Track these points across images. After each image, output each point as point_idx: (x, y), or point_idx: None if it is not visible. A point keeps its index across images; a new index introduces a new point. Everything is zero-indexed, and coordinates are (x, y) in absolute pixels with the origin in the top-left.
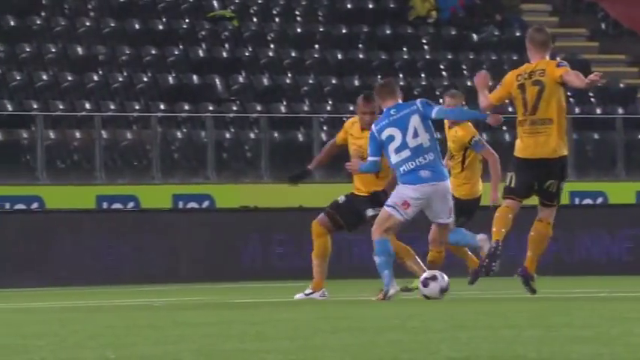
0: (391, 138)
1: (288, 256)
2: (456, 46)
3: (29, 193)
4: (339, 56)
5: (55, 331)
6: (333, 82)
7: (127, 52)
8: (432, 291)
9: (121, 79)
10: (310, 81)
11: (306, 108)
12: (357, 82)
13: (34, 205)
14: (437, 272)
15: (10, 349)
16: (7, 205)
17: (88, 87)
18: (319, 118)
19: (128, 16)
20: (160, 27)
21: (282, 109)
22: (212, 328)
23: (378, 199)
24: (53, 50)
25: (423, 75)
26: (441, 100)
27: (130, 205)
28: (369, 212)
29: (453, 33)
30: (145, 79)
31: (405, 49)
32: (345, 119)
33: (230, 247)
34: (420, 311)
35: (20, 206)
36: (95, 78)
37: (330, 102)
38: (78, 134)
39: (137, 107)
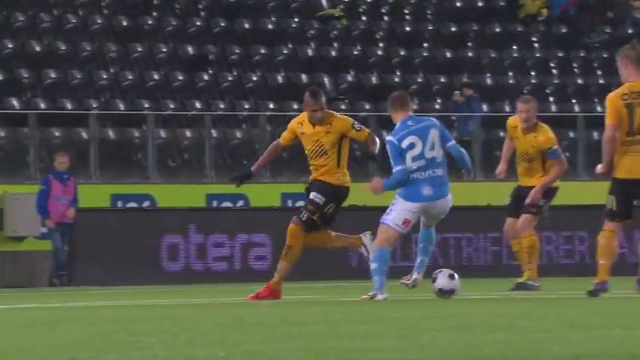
0: (412, 146)
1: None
2: (566, 44)
3: (141, 191)
4: (448, 54)
5: (167, 329)
6: (442, 80)
7: (237, 51)
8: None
9: (230, 79)
10: (419, 79)
11: (415, 106)
12: (465, 80)
13: (146, 204)
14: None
15: (123, 346)
16: (120, 204)
17: (199, 86)
18: (451, 116)
19: (238, 15)
20: (270, 26)
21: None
22: (320, 327)
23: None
24: (164, 50)
25: (532, 73)
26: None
27: (240, 203)
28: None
29: (564, 31)
30: (255, 79)
31: (514, 47)
32: (454, 117)
33: None
34: (529, 310)
35: (132, 204)
36: (205, 77)
37: (438, 100)
38: (188, 133)
39: (247, 106)
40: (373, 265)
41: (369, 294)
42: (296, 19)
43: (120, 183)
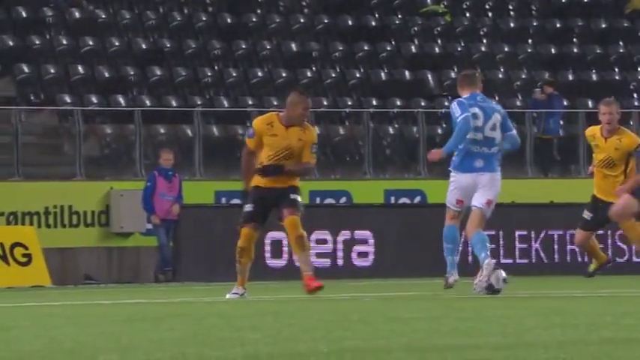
0: (475, 116)
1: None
2: None
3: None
4: (553, 50)
5: (270, 324)
6: (546, 76)
7: (340, 48)
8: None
9: (333, 75)
10: (523, 76)
11: (518, 103)
12: (571, 77)
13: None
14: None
15: (227, 342)
16: (224, 200)
17: (302, 83)
18: (532, 113)
19: (341, 12)
20: (373, 23)
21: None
22: (422, 324)
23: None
24: (268, 47)
25: (639, 69)
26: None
27: (343, 200)
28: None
29: None
30: (358, 75)
31: (620, 42)
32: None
33: (439, 243)
34: (636, 309)
35: (236, 201)
36: (308, 74)
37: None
38: None
39: (349, 103)
40: (444, 246)
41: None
42: (399, 16)
43: (224, 179)
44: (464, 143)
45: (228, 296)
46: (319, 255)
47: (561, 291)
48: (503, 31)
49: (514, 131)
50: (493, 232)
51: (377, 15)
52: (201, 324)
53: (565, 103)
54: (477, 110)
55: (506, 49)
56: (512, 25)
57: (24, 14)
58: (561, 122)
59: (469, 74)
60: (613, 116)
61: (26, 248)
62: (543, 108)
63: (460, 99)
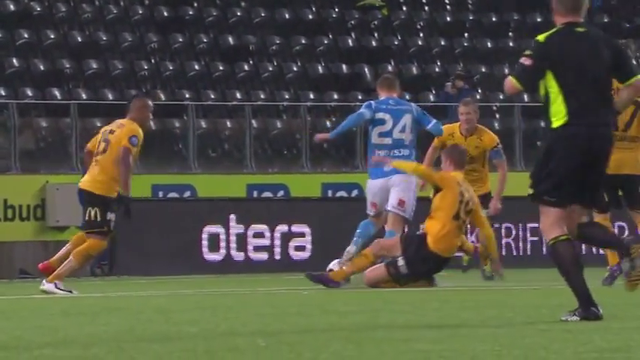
0: (382, 122)
1: None
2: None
3: (182, 182)
4: (489, 44)
5: (208, 319)
6: (483, 70)
7: (277, 41)
8: None
9: (271, 69)
10: (458, 69)
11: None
12: (506, 70)
13: (187, 194)
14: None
15: (164, 336)
16: (161, 194)
17: (239, 76)
18: (492, 106)
19: (278, 5)
20: (310, 16)
21: (431, 97)
22: (360, 317)
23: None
24: (205, 40)
25: None
26: None
27: (280, 193)
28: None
29: (606, 21)
30: (295, 69)
31: None
32: (495, 107)
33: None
34: (571, 302)
35: (173, 194)
36: (246, 68)
37: (479, 90)
38: (229, 123)
39: (287, 97)
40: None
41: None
42: (336, 9)
43: (161, 173)
44: (371, 149)
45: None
46: (257, 249)
47: (497, 284)
48: (439, 24)
49: (433, 121)
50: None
51: (314, 8)
52: (138, 318)
53: (478, 97)
54: (383, 115)
55: (442, 42)
56: (448, 19)
57: (12, 8)
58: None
59: (387, 77)
60: (471, 116)
61: None
62: (454, 101)
63: (371, 101)
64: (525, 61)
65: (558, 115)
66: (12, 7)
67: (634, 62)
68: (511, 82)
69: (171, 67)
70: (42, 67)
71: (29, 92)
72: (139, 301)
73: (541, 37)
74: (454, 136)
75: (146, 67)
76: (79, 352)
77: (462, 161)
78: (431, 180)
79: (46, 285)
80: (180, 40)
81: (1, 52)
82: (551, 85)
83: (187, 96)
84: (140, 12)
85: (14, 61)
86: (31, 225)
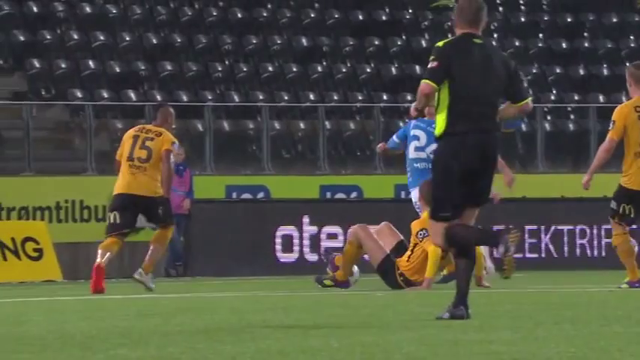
0: (416, 137)
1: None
2: None
3: (255, 182)
4: (564, 45)
5: (281, 320)
6: (557, 71)
7: (351, 42)
8: None
9: (344, 70)
10: (534, 70)
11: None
12: (582, 71)
13: (260, 195)
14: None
15: (237, 337)
16: (234, 195)
17: (313, 78)
18: (543, 107)
19: (352, 7)
20: (384, 17)
21: None
22: (433, 318)
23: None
24: (279, 42)
25: None
26: None
27: (353, 194)
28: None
29: None
30: (369, 70)
31: (631, 37)
32: (569, 108)
33: None
34: None
35: (247, 196)
36: (319, 69)
37: (554, 91)
38: (302, 125)
39: (360, 98)
40: None
41: None
42: (410, 10)
43: (234, 174)
44: (410, 163)
45: None
46: (332, 250)
47: (572, 286)
48: (514, 25)
49: None
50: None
51: (387, 10)
52: (212, 319)
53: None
54: (417, 132)
55: (517, 43)
56: (522, 19)
57: (35, 9)
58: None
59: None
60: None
61: (37, 243)
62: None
63: (409, 123)
64: (432, 63)
65: (443, 120)
66: (88, 9)
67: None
68: (426, 83)
69: (245, 69)
70: (117, 69)
71: (105, 94)
72: (212, 301)
73: (440, 43)
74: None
75: (220, 69)
76: (153, 352)
77: None
78: None
79: (143, 277)
80: (255, 41)
81: (78, 54)
82: (442, 92)
83: (261, 97)
84: (215, 14)
85: (90, 63)
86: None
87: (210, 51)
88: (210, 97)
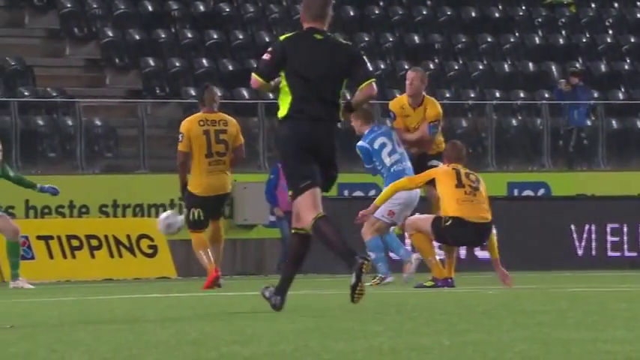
0: (384, 145)
1: (621, 245)
2: None
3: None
4: (632, 40)
5: (393, 317)
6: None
7: (463, 40)
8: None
9: (456, 67)
10: (602, 68)
11: None
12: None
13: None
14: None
15: (349, 334)
16: (346, 192)
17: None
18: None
19: (464, 4)
20: (496, 14)
21: (620, 95)
22: (547, 317)
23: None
24: (390, 39)
25: None
26: None
27: None
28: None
29: None
30: (481, 67)
31: None
32: None
33: (564, 236)
34: None
35: (358, 193)
36: (431, 66)
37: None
38: None
39: (472, 95)
40: (373, 256)
41: (378, 277)
42: (523, 7)
43: (346, 172)
44: (386, 170)
45: None
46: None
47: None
48: (629, 21)
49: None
50: (617, 225)
51: (500, 6)
52: (324, 316)
53: (596, 94)
54: (381, 140)
55: (632, 39)
56: (639, 15)
57: (150, 8)
58: (584, 113)
59: (369, 111)
60: (417, 83)
61: (152, 240)
62: (569, 99)
63: (362, 143)
64: (265, 56)
65: (283, 108)
66: (202, 8)
67: (370, 67)
68: (254, 77)
69: (382, 66)
70: (230, 67)
71: (218, 92)
72: (325, 299)
73: (282, 37)
74: (404, 107)
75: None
76: (265, 350)
77: (457, 156)
78: (418, 181)
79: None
80: (366, 39)
81: (192, 52)
82: (282, 81)
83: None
84: (351, 13)
85: (204, 61)
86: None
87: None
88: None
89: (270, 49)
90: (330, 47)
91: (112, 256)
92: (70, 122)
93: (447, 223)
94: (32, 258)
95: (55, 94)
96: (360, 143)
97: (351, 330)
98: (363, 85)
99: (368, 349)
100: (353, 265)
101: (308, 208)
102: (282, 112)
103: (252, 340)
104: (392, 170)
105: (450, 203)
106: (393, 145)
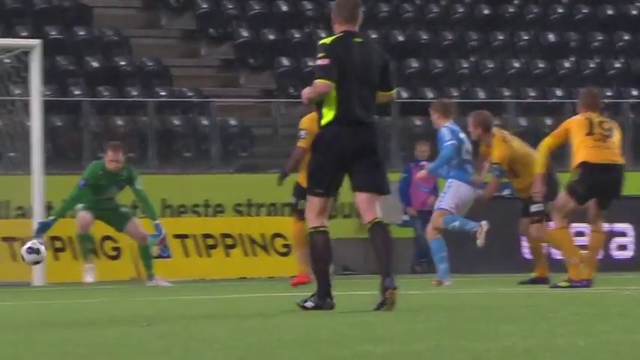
0: (464, 140)
1: None
2: None
3: None
4: None
5: (525, 317)
6: None
7: (599, 38)
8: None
9: (592, 66)
10: None
11: None
12: None
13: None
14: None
15: (482, 334)
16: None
17: (560, 74)
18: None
19: (600, 2)
20: (634, 12)
21: None
22: None
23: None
24: (525, 38)
25: None
26: None
27: None
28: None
29: None
30: (618, 65)
31: None
32: None
33: None
34: None
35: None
36: (567, 65)
37: None
38: (549, 121)
39: (609, 94)
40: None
41: (436, 280)
42: None
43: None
44: (461, 162)
45: None
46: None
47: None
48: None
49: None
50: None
51: (637, 4)
52: (456, 316)
53: None
54: (463, 136)
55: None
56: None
57: (285, 8)
58: None
59: (451, 104)
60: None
61: (286, 239)
62: None
63: (451, 126)
64: (322, 61)
65: (328, 113)
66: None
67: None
68: (321, 82)
69: (491, 65)
70: None
71: None
72: (457, 298)
73: (327, 40)
74: None
75: (466, 66)
76: (398, 349)
77: (592, 103)
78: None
79: None
80: (501, 37)
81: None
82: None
83: (507, 94)
84: (461, 10)
85: None
86: (352, 223)
87: (456, 47)
88: (455, 94)
89: (321, 53)
90: (369, 51)
91: (246, 254)
92: (205, 122)
93: (576, 177)
94: (169, 257)
95: (190, 94)
96: (448, 144)
97: (483, 330)
98: (388, 93)
99: (501, 349)
100: (315, 296)
101: (314, 214)
102: (328, 117)
103: (384, 339)
104: (465, 167)
105: (579, 151)
106: (469, 146)
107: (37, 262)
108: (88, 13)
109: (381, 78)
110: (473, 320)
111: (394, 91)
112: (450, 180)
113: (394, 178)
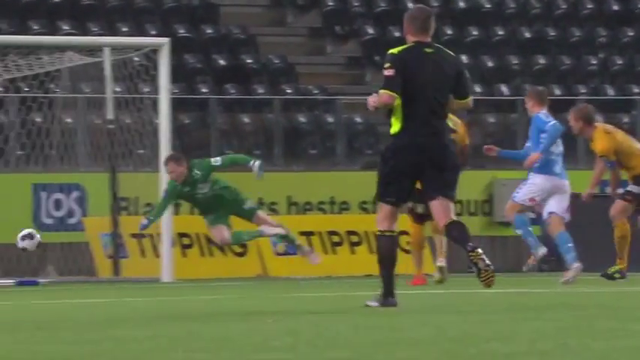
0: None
1: None
2: None
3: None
4: None
5: None
6: None
7: None
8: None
9: None
10: None
11: None
12: None
13: None
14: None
15: (610, 333)
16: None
17: None
18: None
19: None
20: None
21: None
22: None
23: None
24: None
25: None
26: None
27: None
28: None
29: None
30: None
31: None
32: None
33: None
34: None
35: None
36: None
37: None
38: None
39: None
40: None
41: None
42: None
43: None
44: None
45: None
46: None
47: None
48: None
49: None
50: None
51: None
52: (583, 314)
53: None
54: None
55: None
56: None
57: (384, 6)
58: None
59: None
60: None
61: (409, 236)
62: None
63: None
64: (387, 72)
65: (397, 123)
66: (462, 4)
67: (470, 84)
68: (386, 94)
69: (619, 62)
70: (490, 64)
71: (478, 89)
72: (582, 297)
73: (395, 51)
74: None
75: (594, 62)
76: (524, 348)
77: None
78: None
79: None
80: (630, 34)
81: (452, 47)
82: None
83: (636, 91)
84: (589, 7)
85: (463, 57)
86: (478, 220)
87: (584, 44)
88: (583, 91)
89: (387, 64)
90: (440, 61)
91: (371, 252)
92: (330, 119)
93: None
94: (294, 253)
95: (316, 91)
96: (552, 123)
97: (610, 329)
98: (464, 100)
99: (628, 348)
100: (379, 295)
101: (382, 218)
102: (395, 127)
103: (510, 337)
104: (552, 158)
105: None
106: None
107: (25, 249)
108: (215, 12)
109: (456, 86)
110: (599, 319)
111: (470, 99)
112: (531, 173)
113: (522, 176)
